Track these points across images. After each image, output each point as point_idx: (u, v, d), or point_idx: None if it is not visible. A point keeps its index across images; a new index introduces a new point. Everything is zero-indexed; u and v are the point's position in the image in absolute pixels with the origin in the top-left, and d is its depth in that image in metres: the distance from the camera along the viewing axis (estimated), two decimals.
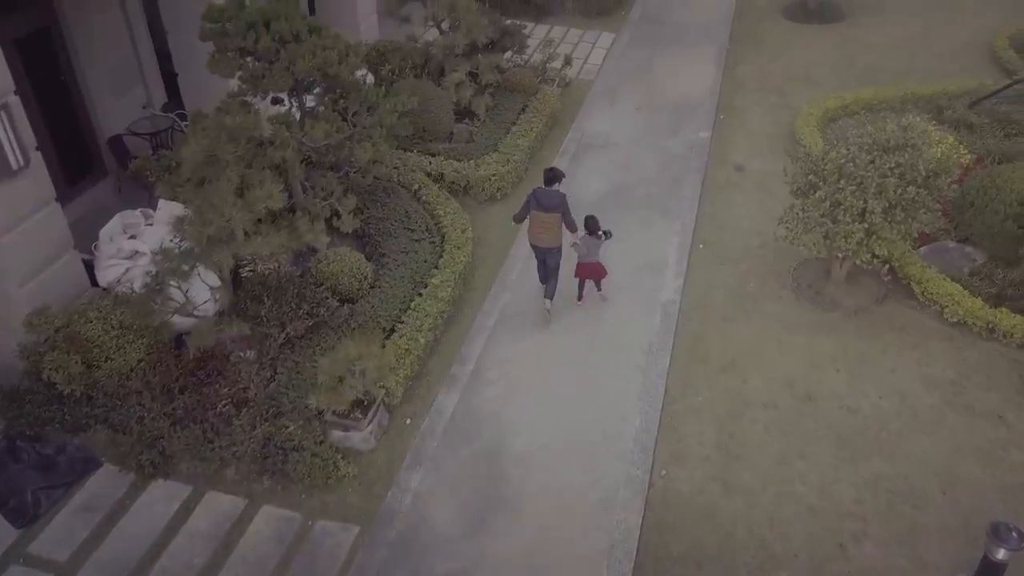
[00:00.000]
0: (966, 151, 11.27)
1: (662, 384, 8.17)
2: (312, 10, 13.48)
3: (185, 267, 6.85)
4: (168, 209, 8.21)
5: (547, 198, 8.42)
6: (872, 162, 7.94)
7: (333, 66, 8.10)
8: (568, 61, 14.30)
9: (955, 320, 8.65)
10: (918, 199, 7.93)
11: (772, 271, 9.69)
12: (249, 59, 8.27)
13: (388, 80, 12.02)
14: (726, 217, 10.85)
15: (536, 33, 16.52)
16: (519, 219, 8.88)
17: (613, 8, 17.51)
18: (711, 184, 11.60)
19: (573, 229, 8.60)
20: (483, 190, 10.97)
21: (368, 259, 8.99)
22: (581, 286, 9.19)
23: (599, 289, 9.21)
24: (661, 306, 9.20)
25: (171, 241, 6.94)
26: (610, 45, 16.11)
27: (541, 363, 8.51)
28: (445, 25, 12.15)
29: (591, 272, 8.95)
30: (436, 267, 9.07)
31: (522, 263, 9.84)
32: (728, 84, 14.50)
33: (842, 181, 8.02)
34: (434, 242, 9.54)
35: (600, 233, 8.54)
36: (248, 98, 8.27)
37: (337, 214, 8.76)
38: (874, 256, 8.19)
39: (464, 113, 12.15)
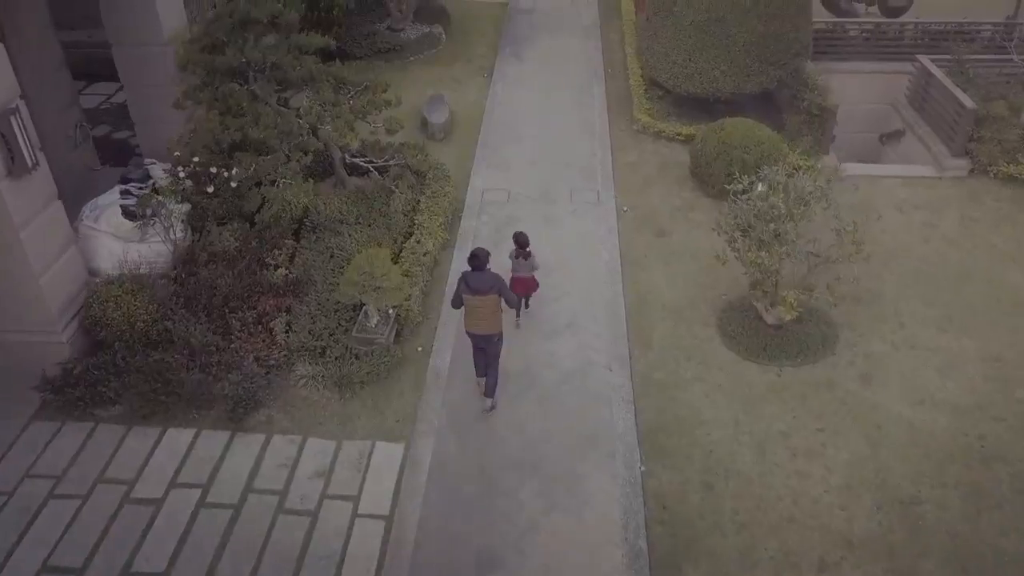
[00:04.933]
0: None
1: None
2: None
3: None
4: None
5: (479, 281, 7.70)
6: None
7: None
8: None
9: None
10: None
11: None
12: None
13: None
14: None
15: (228, 475, 7.34)
16: (455, 304, 7.95)
17: (388, 366, 8.55)
18: None
19: (512, 305, 8.41)
20: None
21: None
22: (518, 307, 8.99)
23: (527, 307, 9.16)
24: None
25: None
26: (395, 495, 7.16)
27: None
28: None
29: (528, 287, 8.87)
30: None
31: None
32: None
33: None
34: None
35: (529, 249, 8.63)
36: None
37: None
38: None
39: None
